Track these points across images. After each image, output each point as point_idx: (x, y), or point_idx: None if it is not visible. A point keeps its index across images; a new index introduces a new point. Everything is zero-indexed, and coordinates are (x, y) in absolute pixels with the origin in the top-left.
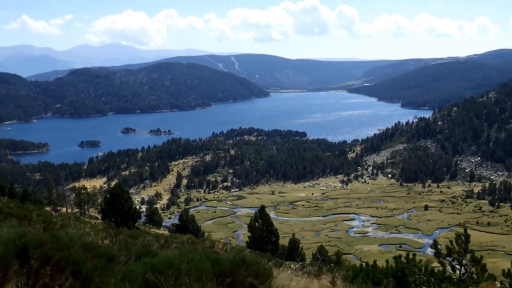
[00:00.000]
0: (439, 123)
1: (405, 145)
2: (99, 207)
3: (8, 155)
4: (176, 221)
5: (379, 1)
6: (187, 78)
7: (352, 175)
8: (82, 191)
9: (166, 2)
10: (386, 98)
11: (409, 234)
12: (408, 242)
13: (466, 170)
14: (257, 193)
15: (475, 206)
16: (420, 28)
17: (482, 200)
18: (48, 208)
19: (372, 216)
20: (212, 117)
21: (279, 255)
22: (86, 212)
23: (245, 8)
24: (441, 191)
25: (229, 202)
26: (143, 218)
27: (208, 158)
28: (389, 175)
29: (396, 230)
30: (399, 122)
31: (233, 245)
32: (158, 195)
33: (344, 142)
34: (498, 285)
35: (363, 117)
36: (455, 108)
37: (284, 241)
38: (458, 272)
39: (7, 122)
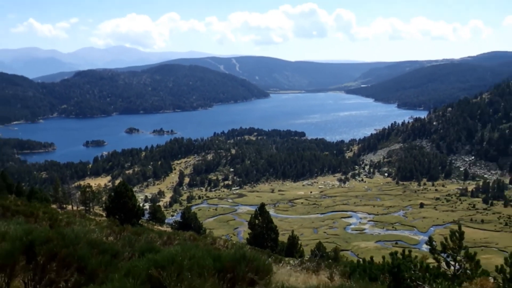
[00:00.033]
0: (434, 123)
1: (401, 144)
2: (103, 204)
3: (16, 154)
4: (178, 219)
5: (375, 5)
6: (189, 80)
7: (350, 173)
8: (87, 189)
9: (169, 6)
10: (383, 99)
11: (405, 231)
12: (404, 238)
13: (461, 169)
14: (257, 191)
15: (469, 204)
16: (415, 31)
17: (476, 198)
18: (54, 206)
19: (369, 214)
20: (213, 117)
21: (278, 251)
22: (91, 210)
23: (245, 11)
24: (436, 189)
25: (230, 200)
26: (147, 216)
27: (209, 157)
28: (386, 174)
29: (392, 227)
30: (395, 122)
31: (234, 242)
32: (161, 193)
33: (342, 141)
34: (492, 280)
35: (360, 118)
36: (449, 109)
37: (283, 237)
38: (452, 268)
39: (14, 122)
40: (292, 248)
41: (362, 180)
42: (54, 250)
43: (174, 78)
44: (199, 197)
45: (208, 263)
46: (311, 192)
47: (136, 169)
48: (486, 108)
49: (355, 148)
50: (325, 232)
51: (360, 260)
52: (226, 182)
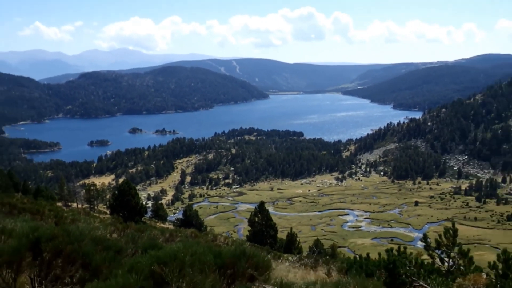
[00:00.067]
0: (429, 123)
1: (397, 144)
2: (107, 202)
3: (22, 154)
4: (180, 216)
5: (372, 9)
6: (191, 81)
7: (347, 172)
8: (92, 187)
9: (171, 10)
10: (379, 100)
11: (400, 228)
12: (399, 236)
13: (454, 168)
14: (257, 190)
15: (463, 202)
16: (411, 34)
17: (469, 196)
18: (59, 204)
19: (366, 211)
20: (214, 118)
21: (277, 248)
22: (95, 208)
23: (245, 15)
24: (430, 188)
25: (230, 198)
26: (149, 213)
27: (210, 156)
28: (382, 173)
29: (388, 224)
30: (391, 122)
31: (234, 239)
32: (163, 192)
33: (339, 141)
34: (484, 276)
35: (357, 118)
36: (443, 110)
37: (282, 235)
38: (446, 264)
39: (21, 123)
40: (290, 245)
41: (359, 178)
42: (59, 246)
43: (176, 80)
44: (200, 195)
45: (209, 260)
46: (309, 190)
47: (139, 168)
48: (479, 109)
49: (352, 147)
50: (322, 230)
51: (357, 256)
52: (226, 181)
